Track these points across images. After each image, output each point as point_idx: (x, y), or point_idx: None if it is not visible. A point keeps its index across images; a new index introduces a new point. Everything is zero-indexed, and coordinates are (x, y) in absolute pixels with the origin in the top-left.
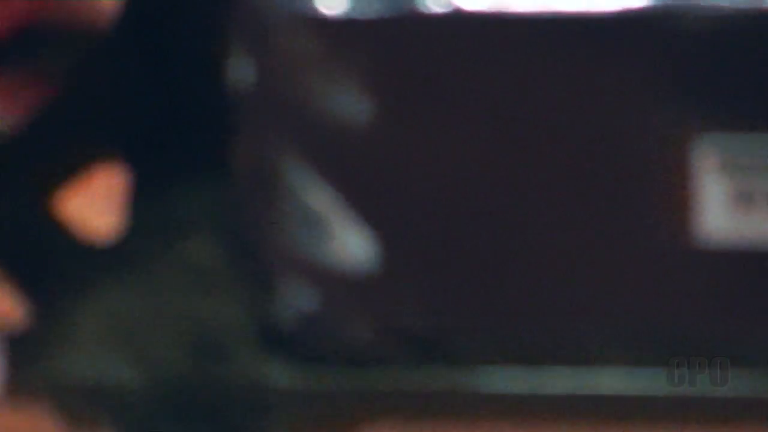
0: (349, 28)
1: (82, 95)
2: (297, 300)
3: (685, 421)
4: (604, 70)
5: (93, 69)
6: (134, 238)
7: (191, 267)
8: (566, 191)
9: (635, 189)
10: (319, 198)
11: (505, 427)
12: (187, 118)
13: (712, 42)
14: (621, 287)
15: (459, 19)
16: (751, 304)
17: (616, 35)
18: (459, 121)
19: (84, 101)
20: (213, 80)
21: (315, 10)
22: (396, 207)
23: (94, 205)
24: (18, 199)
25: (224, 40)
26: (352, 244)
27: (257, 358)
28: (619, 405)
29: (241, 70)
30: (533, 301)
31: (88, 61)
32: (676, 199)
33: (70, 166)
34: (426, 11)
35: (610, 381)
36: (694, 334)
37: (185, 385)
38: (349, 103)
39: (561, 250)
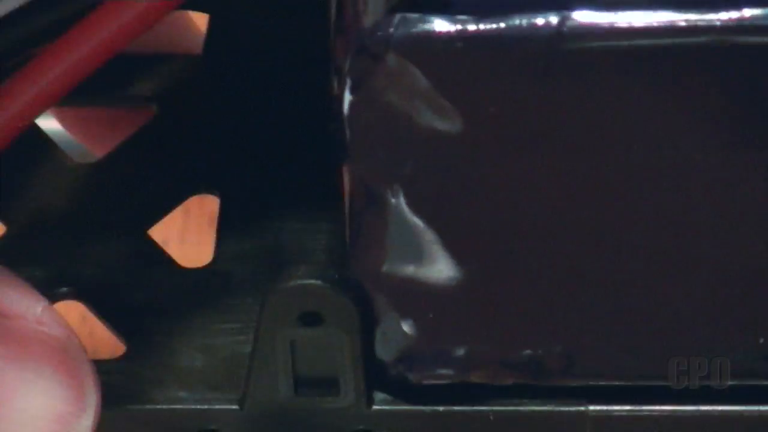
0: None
1: (175, 121)
2: (398, 328)
3: None
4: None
5: (186, 94)
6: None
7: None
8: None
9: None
10: (420, 224)
11: None
12: (282, 143)
13: None
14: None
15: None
16: None
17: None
18: (561, 146)
19: (177, 127)
20: (311, 104)
21: (424, 30)
22: (494, 231)
23: (190, 232)
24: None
25: (325, 62)
26: (451, 270)
27: (361, 387)
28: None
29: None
30: (634, 319)
31: (181, 86)
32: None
33: (166, 194)
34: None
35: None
36: None
37: (287, 414)
38: (453, 126)
39: (663, 268)
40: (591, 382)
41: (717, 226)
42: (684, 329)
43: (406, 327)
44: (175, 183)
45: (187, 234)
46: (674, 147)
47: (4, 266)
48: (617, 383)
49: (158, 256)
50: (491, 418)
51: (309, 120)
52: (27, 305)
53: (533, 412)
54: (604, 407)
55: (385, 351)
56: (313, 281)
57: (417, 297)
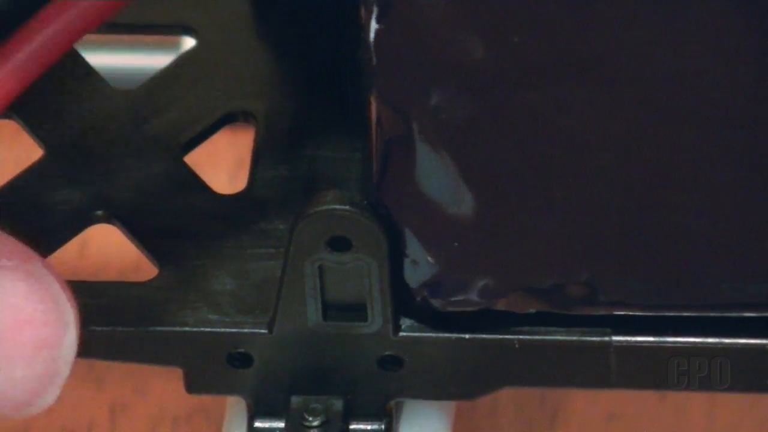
0: None
1: (213, 50)
2: (423, 256)
3: None
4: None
5: (225, 22)
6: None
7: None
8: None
9: None
10: (445, 153)
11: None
12: (320, 71)
13: None
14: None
15: None
16: None
17: None
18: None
19: (215, 56)
20: (349, 32)
21: None
22: (517, 160)
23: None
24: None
25: None
26: (475, 199)
27: (388, 314)
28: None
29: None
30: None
31: (219, 14)
32: None
33: (203, 121)
34: None
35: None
36: None
37: (315, 338)
38: (478, 54)
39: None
40: (614, 311)
41: (739, 154)
42: (705, 258)
43: (431, 255)
44: (212, 111)
45: (222, 162)
46: (699, 75)
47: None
48: (639, 313)
49: (193, 181)
50: (516, 346)
51: (346, 49)
52: None
53: (558, 341)
54: (628, 338)
55: (412, 278)
56: (341, 206)
57: (442, 225)
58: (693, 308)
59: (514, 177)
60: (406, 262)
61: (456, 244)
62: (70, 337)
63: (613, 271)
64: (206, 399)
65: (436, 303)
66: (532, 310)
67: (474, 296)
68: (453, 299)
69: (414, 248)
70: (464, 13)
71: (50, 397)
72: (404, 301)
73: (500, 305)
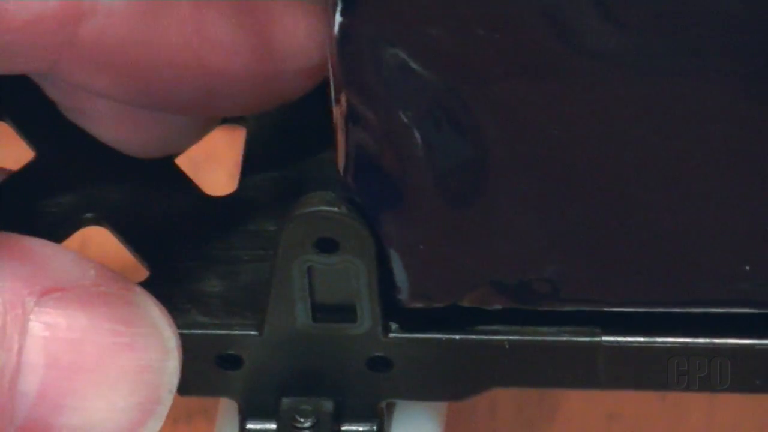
0: None
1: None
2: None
3: None
4: None
5: None
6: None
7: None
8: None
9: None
10: (411, 149)
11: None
12: None
13: None
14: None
15: None
16: None
17: None
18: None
19: None
20: None
21: None
22: (482, 155)
23: (212, 162)
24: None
25: None
26: (439, 196)
27: (377, 315)
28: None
29: None
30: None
31: None
32: None
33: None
34: None
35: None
36: None
37: (304, 340)
38: (441, 48)
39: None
40: (579, 308)
41: (715, 150)
42: (675, 255)
43: (394, 249)
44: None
45: (213, 163)
46: (682, 74)
47: (48, 240)
48: (605, 309)
49: (183, 183)
50: (506, 346)
51: None
52: (80, 272)
53: (547, 341)
54: (617, 338)
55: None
56: (328, 208)
57: (406, 219)
58: (661, 305)
59: (482, 171)
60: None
61: (420, 237)
62: (172, 364)
63: (578, 267)
64: (206, 399)
65: (401, 298)
66: (498, 307)
67: (439, 292)
68: (417, 295)
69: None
70: (428, 4)
71: (154, 426)
72: (394, 304)
73: (466, 302)
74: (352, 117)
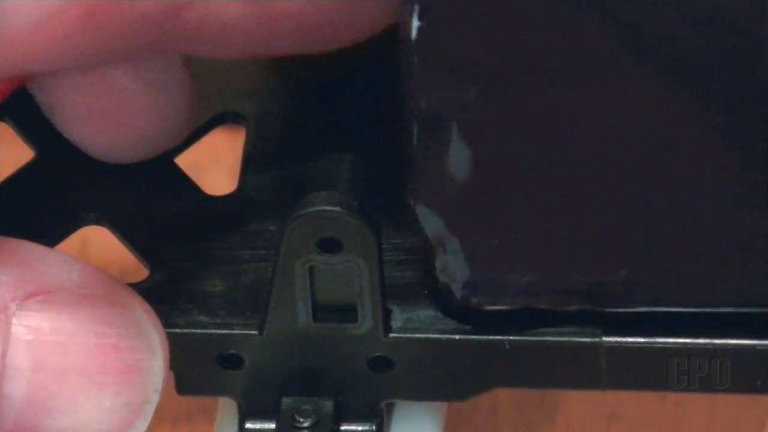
0: None
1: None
2: (459, 255)
3: None
4: None
5: None
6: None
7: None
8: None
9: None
10: (480, 152)
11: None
12: None
13: None
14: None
15: None
16: None
17: None
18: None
19: (206, 62)
20: None
21: None
22: (543, 162)
23: (212, 162)
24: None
25: None
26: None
27: (378, 315)
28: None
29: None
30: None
31: None
32: None
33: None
34: None
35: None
36: None
37: (305, 340)
38: (510, 55)
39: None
40: (654, 308)
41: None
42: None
43: (466, 253)
44: (203, 112)
45: (213, 163)
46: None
47: (45, 240)
48: (680, 309)
49: (184, 182)
50: (507, 346)
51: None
52: (64, 274)
53: (548, 341)
54: (618, 338)
55: (451, 278)
56: (331, 207)
57: (478, 223)
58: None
59: (545, 176)
60: (439, 264)
61: (495, 241)
62: (158, 363)
63: (650, 268)
64: (206, 399)
65: (475, 301)
66: (573, 308)
67: (513, 294)
68: (492, 297)
69: (449, 247)
70: (499, 12)
71: (141, 426)
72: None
73: (541, 303)
74: (424, 120)
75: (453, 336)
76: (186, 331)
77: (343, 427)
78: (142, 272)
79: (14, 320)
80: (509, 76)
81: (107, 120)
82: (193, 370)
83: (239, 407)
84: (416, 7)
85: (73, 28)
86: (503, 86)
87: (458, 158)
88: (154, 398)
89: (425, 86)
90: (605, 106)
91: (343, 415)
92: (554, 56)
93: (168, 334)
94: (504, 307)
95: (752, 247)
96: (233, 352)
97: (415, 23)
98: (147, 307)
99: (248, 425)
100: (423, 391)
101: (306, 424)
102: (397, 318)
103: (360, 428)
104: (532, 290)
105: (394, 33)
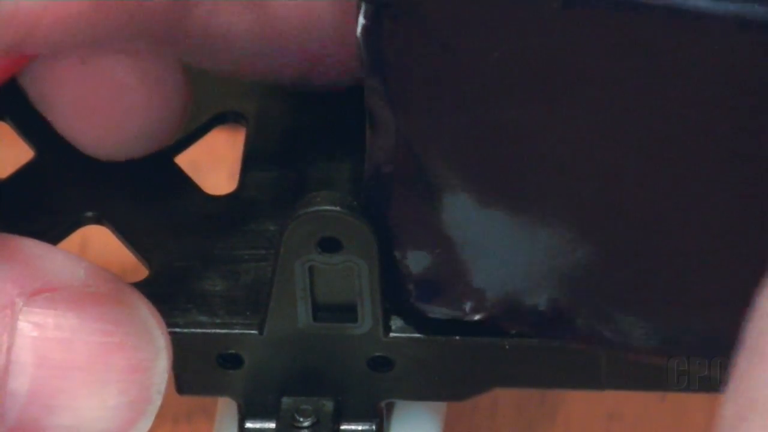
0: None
1: None
2: (408, 260)
3: None
4: None
5: None
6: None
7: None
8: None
9: None
10: (431, 159)
11: None
12: None
13: None
14: None
15: None
16: None
17: None
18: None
19: None
20: None
21: None
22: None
23: (212, 162)
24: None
25: None
26: (470, 217)
27: (378, 314)
28: None
29: None
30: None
31: None
32: None
33: (194, 122)
34: None
35: None
36: None
37: (305, 339)
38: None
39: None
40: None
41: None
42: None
43: (414, 260)
44: (202, 112)
45: (213, 163)
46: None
47: (45, 239)
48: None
49: (184, 182)
50: (506, 347)
51: None
52: (70, 272)
53: (548, 342)
54: None
55: (402, 277)
56: (331, 207)
57: (429, 229)
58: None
59: (487, 195)
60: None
61: (438, 251)
62: (162, 363)
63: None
64: (206, 399)
65: (421, 307)
66: (513, 331)
67: (459, 306)
68: (438, 305)
69: (401, 252)
70: (454, 14)
71: (143, 426)
72: (398, 304)
73: (483, 318)
74: (377, 121)
75: (453, 336)
76: (186, 330)
77: (343, 427)
78: (142, 272)
79: (20, 316)
80: (464, 87)
81: (100, 113)
82: (192, 370)
83: (239, 407)
84: (363, 6)
85: (86, 6)
86: (450, 95)
87: (409, 163)
88: (157, 399)
89: (377, 88)
90: (541, 127)
91: (343, 414)
92: (503, 75)
93: (168, 333)
94: (450, 316)
95: (705, 293)
96: (233, 351)
97: (361, 21)
98: (151, 307)
99: (248, 425)
100: (423, 391)
101: (306, 424)
102: (397, 318)
103: (360, 428)
104: (475, 305)
105: None
